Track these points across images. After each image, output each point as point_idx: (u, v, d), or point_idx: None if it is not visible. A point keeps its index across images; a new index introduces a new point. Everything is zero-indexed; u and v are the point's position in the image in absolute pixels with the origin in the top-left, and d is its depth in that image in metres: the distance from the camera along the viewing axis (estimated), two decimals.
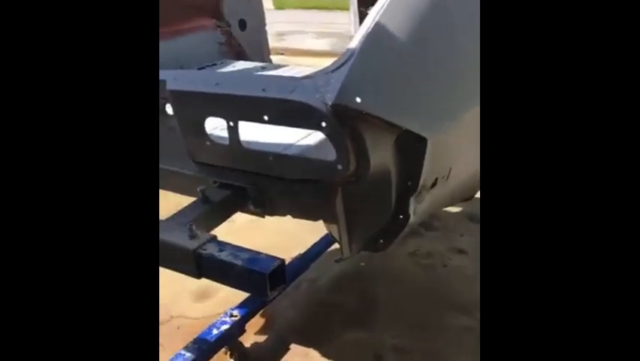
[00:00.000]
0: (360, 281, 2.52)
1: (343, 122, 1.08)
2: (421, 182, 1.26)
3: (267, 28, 2.86)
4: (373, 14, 1.16)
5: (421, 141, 1.18)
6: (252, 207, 1.37)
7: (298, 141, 1.34)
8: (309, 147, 1.31)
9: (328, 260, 2.63)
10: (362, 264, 2.63)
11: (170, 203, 3.73)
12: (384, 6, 1.15)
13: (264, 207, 1.36)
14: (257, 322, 2.20)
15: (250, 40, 2.72)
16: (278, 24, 7.97)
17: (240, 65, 2.37)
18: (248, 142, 1.26)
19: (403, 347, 2.12)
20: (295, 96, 1.11)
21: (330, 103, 1.06)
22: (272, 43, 2.94)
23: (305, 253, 2.45)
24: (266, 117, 1.15)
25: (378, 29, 1.13)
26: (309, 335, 2.17)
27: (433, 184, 1.34)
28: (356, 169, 1.14)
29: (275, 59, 3.14)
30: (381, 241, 1.36)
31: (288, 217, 1.47)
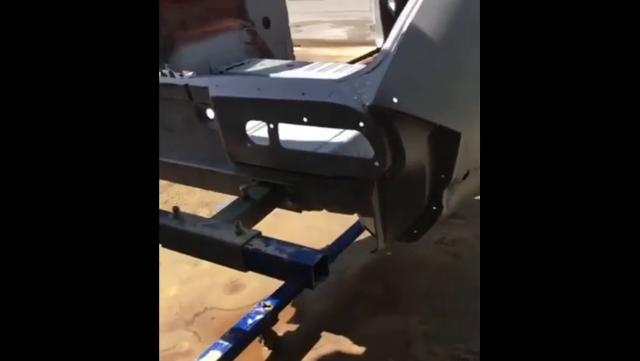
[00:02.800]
0: (387, 271, 2.58)
1: (380, 121, 1.14)
2: (455, 175, 1.31)
3: None
4: (406, 13, 1.21)
5: (455, 136, 1.23)
6: (290, 203, 1.44)
7: (333, 138, 1.40)
8: (344, 145, 1.37)
9: (355, 251, 2.72)
10: (389, 253, 2.69)
11: (196, 198, 3.82)
12: (418, 5, 1.20)
13: (301, 202, 1.43)
14: (289, 312, 2.29)
15: (274, 37, 2.77)
16: (293, 15, 8.00)
17: (267, 62, 2.43)
18: (286, 142, 1.33)
19: (431, 332, 2.19)
20: (334, 99, 1.17)
21: (367, 104, 1.12)
22: None
23: (332, 245, 2.53)
24: (306, 119, 1.21)
25: (411, 30, 1.18)
26: (339, 323, 2.25)
27: (465, 176, 1.39)
28: (392, 165, 1.20)
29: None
30: (415, 231, 1.42)
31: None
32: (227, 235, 1.26)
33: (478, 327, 2.24)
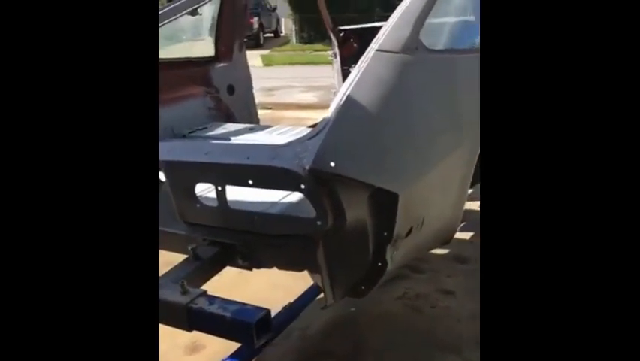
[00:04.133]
0: (350, 327, 2.59)
1: (320, 183, 1.23)
2: (396, 232, 1.39)
3: (258, 84, 3.05)
4: (346, 86, 1.33)
5: (393, 197, 1.32)
6: (240, 262, 1.49)
7: (280, 199, 1.48)
8: (290, 205, 1.45)
9: (318, 307, 2.73)
10: (352, 309, 2.71)
11: (162, 260, 3.80)
12: (354, 80, 1.33)
13: (251, 261, 1.48)
14: None
15: (238, 103, 2.92)
16: (267, 80, 8.27)
17: (229, 126, 2.54)
18: (234, 202, 1.40)
19: None
20: (277, 163, 1.26)
21: (307, 168, 1.21)
22: (262, 98, 3.14)
23: (294, 301, 2.54)
24: (251, 182, 1.29)
25: (348, 101, 1.30)
26: None
27: (408, 233, 1.47)
28: (334, 224, 1.28)
29: (263, 112, 3.32)
30: (363, 287, 1.48)
31: (276, 269, 1.58)
32: (172, 294, 1.30)
33: None
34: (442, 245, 2.05)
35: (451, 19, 2.05)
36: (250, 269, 1.53)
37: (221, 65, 2.88)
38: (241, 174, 1.31)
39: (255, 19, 15.91)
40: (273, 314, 1.51)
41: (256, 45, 16.26)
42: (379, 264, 1.42)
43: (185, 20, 2.67)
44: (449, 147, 1.55)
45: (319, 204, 1.24)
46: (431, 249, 2.15)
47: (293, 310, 2.49)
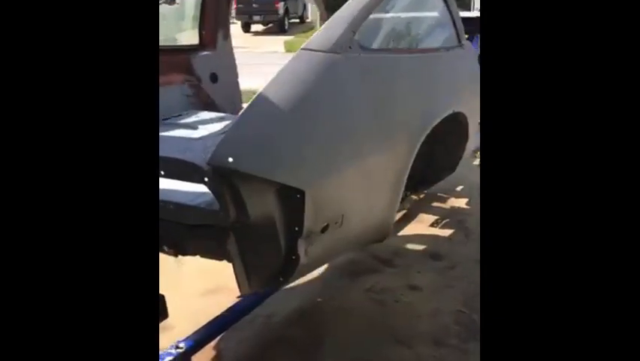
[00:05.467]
0: (313, 316, 2.65)
1: (221, 178, 1.28)
2: (307, 227, 1.43)
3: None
4: (261, 88, 1.38)
5: (300, 193, 1.37)
6: (165, 248, 1.57)
7: (195, 190, 1.55)
8: (203, 196, 1.51)
9: (286, 297, 2.80)
10: (319, 300, 2.77)
11: None
12: (270, 81, 1.37)
13: (175, 248, 1.56)
14: (207, 354, 2.35)
15: (221, 91, 2.98)
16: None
17: (202, 115, 2.61)
18: (161, 192, 1.47)
19: None
20: (186, 156, 1.32)
21: (206, 162, 1.27)
22: None
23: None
24: (162, 172, 1.36)
25: (258, 99, 1.34)
26: None
27: (325, 229, 1.51)
28: (237, 217, 1.33)
29: None
30: (281, 278, 1.53)
31: None
32: None
33: None
34: (376, 242, 2.08)
35: (401, 19, 2.05)
36: (176, 256, 1.61)
37: (205, 53, 2.94)
38: None
39: (281, 4, 15.94)
40: None
41: (281, 31, 16.30)
42: (293, 257, 1.46)
43: (169, 9, 2.73)
44: (375, 147, 1.58)
45: (221, 197, 1.30)
46: (363, 245, 2.17)
47: (258, 297, 2.58)
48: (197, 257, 1.75)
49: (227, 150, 1.26)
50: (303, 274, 1.64)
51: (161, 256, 1.64)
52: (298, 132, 1.38)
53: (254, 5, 16.45)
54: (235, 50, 3.17)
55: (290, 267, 1.49)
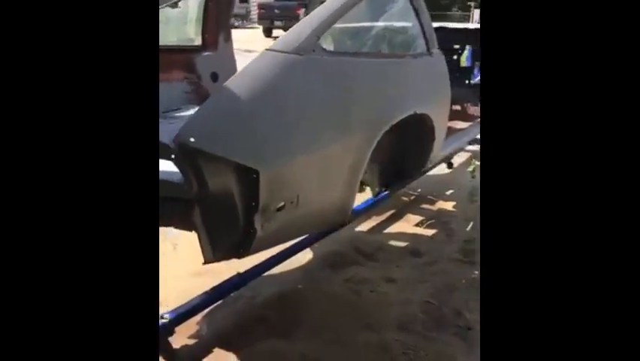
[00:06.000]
0: (292, 300, 2.83)
1: (184, 155, 1.50)
2: (263, 203, 1.64)
3: None
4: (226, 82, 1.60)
5: (254, 172, 1.57)
6: None
7: (168, 168, 1.76)
8: (174, 173, 1.72)
9: (269, 281, 2.99)
10: (300, 286, 2.96)
11: None
12: (234, 75, 1.59)
13: None
14: (189, 327, 2.57)
15: None
16: None
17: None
18: None
19: (312, 356, 2.42)
20: (160, 137, 1.53)
21: (172, 141, 1.48)
22: None
23: (244, 272, 2.81)
24: None
25: (223, 89, 1.56)
26: (233, 342, 2.51)
27: (281, 208, 1.71)
28: (198, 190, 1.54)
29: None
30: (241, 250, 1.74)
31: None
32: None
33: (357, 354, 2.48)
34: (336, 226, 2.26)
35: (369, 27, 2.25)
36: None
37: (207, 53, 3.19)
38: None
39: (302, 10, 16.27)
40: None
41: None
42: (250, 230, 1.67)
43: (173, 12, 2.96)
44: (332, 138, 1.78)
45: (185, 172, 1.51)
46: (323, 227, 2.34)
47: (241, 279, 2.78)
48: (192, 242, 1.97)
49: (189, 131, 1.47)
50: (262, 248, 1.83)
51: (161, 242, 1.81)
52: (255, 120, 1.59)
53: (275, 11, 16.89)
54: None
55: (248, 239, 1.69)
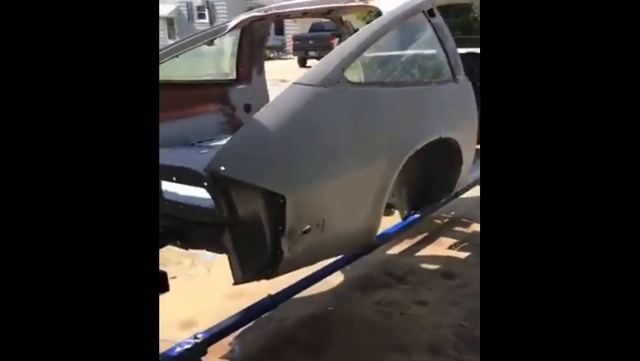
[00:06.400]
0: (323, 322, 2.89)
1: (215, 183, 1.61)
2: (289, 227, 1.73)
3: None
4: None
5: (281, 198, 1.67)
6: (178, 242, 1.91)
7: (201, 194, 1.89)
8: (206, 199, 1.84)
9: (301, 304, 3.05)
10: (330, 308, 3.02)
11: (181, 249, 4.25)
12: (263, 108, 1.71)
13: (186, 242, 1.90)
14: (223, 347, 2.65)
15: None
16: None
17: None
18: (169, 193, 1.83)
19: None
20: (192, 165, 1.67)
21: (204, 170, 1.61)
22: None
23: (276, 294, 2.89)
24: (174, 178, 1.72)
25: (252, 121, 1.68)
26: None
27: (307, 230, 1.80)
28: (229, 215, 1.65)
29: None
30: (269, 271, 1.83)
31: None
32: None
33: None
34: (361, 250, 2.32)
35: (394, 56, 2.35)
36: (187, 249, 1.94)
37: (241, 86, 3.37)
38: (168, 173, 1.74)
39: (336, 40, 16.60)
40: None
41: None
42: (278, 252, 1.76)
43: (209, 49, 3.13)
44: (357, 165, 1.87)
45: (216, 198, 1.63)
46: (347, 250, 2.40)
47: (272, 302, 2.85)
48: (225, 266, 2.08)
49: (220, 159, 1.59)
50: (290, 270, 1.92)
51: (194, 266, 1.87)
52: (281, 148, 1.70)
53: (310, 42, 17.33)
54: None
55: (275, 261, 1.78)
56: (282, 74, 7.55)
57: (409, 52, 2.45)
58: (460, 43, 2.72)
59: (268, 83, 3.57)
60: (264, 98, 3.45)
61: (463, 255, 3.51)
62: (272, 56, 23.91)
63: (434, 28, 2.38)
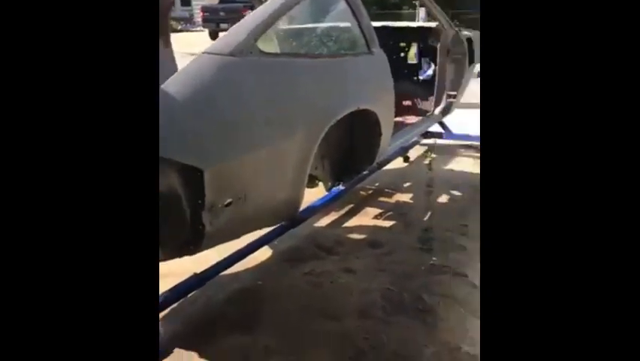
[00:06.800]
0: (252, 296, 2.90)
1: None
2: (209, 201, 1.70)
3: None
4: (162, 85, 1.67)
5: (199, 171, 1.64)
6: None
7: None
8: None
9: (229, 280, 3.04)
10: (259, 283, 3.03)
11: None
12: (170, 79, 1.65)
13: None
14: None
15: None
16: None
17: None
18: None
19: (272, 347, 2.48)
20: None
21: None
22: None
23: (202, 272, 2.84)
24: None
25: (161, 93, 1.62)
26: (194, 341, 2.53)
27: (229, 204, 1.78)
28: None
29: None
30: (191, 247, 1.80)
31: None
32: None
33: (315, 341, 2.53)
34: (285, 221, 2.34)
35: (309, 29, 2.35)
36: None
37: None
38: None
39: (249, 12, 16.14)
40: None
41: None
42: (199, 227, 1.73)
43: None
44: (273, 136, 1.85)
45: None
46: (272, 222, 2.41)
47: (198, 279, 2.80)
48: None
49: None
50: (213, 244, 1.89)
51: None
52: (193, 121, 1.65)
53: (221, 13, 17.22)
54: None
55: (197, 236, 1.74)
56: (192, 47, 7.21)
57: (324, 25, 2.45)
58: (377, 18, 2.76)
59: (177, 57, 3.45)
60: (173, 71, 3.34)
61: (388, 224, 3.62)
62: (179, 28, 22.98)
63: (347, 1, 2.40)
